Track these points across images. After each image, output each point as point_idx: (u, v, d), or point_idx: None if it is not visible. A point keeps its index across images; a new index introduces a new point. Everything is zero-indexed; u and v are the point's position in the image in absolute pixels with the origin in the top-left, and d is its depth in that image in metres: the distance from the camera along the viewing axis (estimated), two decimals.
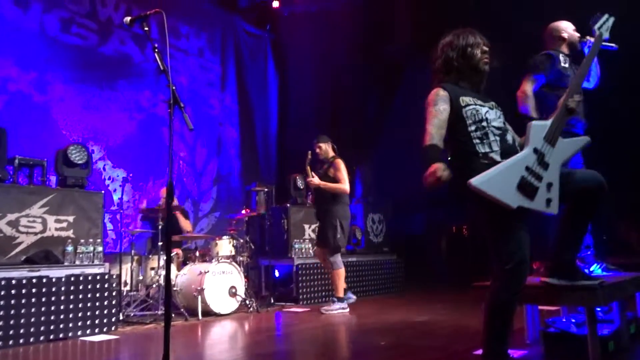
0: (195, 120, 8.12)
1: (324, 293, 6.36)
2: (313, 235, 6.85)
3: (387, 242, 7.87)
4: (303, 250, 6.46)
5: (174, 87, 2.26)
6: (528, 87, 3.42)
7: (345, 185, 5.42)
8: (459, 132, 2.42)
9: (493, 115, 2.46)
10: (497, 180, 2.24)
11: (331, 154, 5.63)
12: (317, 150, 5.60)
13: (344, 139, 8.03)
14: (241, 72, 9.06)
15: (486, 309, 2.33)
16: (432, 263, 7.63)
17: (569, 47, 3.60)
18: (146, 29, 2.45)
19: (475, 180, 2.23)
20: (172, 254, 5.44)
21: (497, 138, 2.39)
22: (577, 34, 3.60)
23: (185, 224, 6.32)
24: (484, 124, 2.40)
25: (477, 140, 2.37)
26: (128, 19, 2.54)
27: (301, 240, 6.57)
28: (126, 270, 5.40)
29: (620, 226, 6.34)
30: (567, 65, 3.50)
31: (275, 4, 9.09)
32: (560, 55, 3.51)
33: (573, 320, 3.00)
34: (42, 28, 6.43)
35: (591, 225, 3.49)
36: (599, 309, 3.15)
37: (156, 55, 2.27)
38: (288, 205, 6.79)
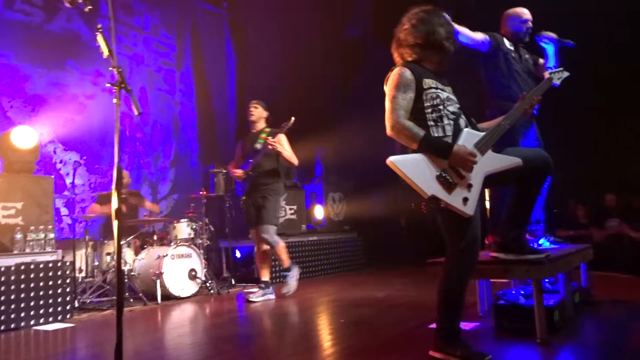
0: (151, 100, 7.91)
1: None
2: None
3: (348, 220, 7.96)
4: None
5: (120, 70, 2.17)
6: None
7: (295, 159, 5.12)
8: (416, 114, 2.42)
9: (450, 100, 2.48)
10: (417, 165, 2.27)
11: (264, 124, 5.33)
12: (252, 109, 5.30)
13: (304, 119, 7.99)
14: (198, 50, 8.84)
15: (439, 286, 2.39)
16: (391, 240, 7.76)
17: (515, 36, 3.72)
18: (89, 8, 2.32)
19: (394, 158, 2.24)
20: (129, 239, 5.36)
21: (451, 122, 2.40)
22: (524, 26, 3.69)
23: (148, 204, 6.22)
24: (441, 107, 2.41)
25: (432, 123, 2.38)
26: None
27: None
28: (81, 256, 5.26)
29: (569, 201, 6.61)
30: (511, 48, 3.63)
31: None
32: (505, 39, 3.64)
33: (522, 292, 3.13)
34: None
35: (542, 200, 3.63)
36: (546, 281, 3.29)
37: (99, 36, 2.16)
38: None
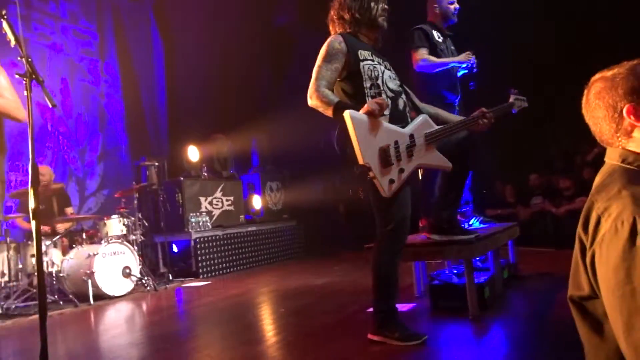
0: (73, 91, 7.48)
1: (224, 265, 6.31)
2: (210, 208, 6.73)
3: (286, 209, 7.95)
4: (200, 224, 6.32)
5: (29, 60, 2.02)
6: (421, 54, 3.47)
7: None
8: (353, 87, 2.39)
9: (389, 75, 2.47)
10: (368, 129, 2.24)
11: None
12: None
13: (237, 109, 7.87)
14: (122, 39, 8.43)
15: (372, 269, 2.43)
16: (331, 227, 7.84)
17: (442, 20, 3.71)
18: None
19: (352, 112, 2.22)
20: (55, 238, 5.07)
21: (389, 101, 2.39)
22: (452, 7, 3.72)
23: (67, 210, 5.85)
24: (379, 82, 2.40)
25: (370, 100, 2.34)
26: None
27: (198, 214, 6.42)
28: (2, 259, 4.92)
29: (497, 182, 6.93)
30: (440, 40, 3.63)
31: None
32: (433, 30, 3.60)
33: (455, 272, 3.25)
34: None
35: (471, 181, 3.77)
36: (476, 259, 3.44)
37: (5, 24, 2.00)
38: (182, 178, 6.57)
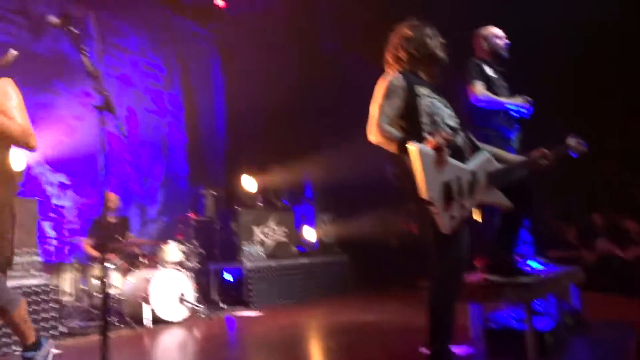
0: (139, 121, 7.89)
1: (275, 295, 6.33)
2: (264, 238, 6.81)
3: (338, 242, 7.93)
4: (253, 253, 6.40)
5: (105, 92, 2.16)
6: (479, 88, 3.43)
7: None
8: (410, 123, 2.39)
9: (447, 113, 2.47)
10: (432, 163, 2.22)
11: None
12: None
13: (293, 140, 8.02)
14: (186, 72, 8.86)
15: (427, 309, 2.37)
16: (382, 262, 7.72)
17: (492, 56, 3.61)
18: (73, 29, 2.32)
19: (418, 145, 2.20)
20: (116, 262, 5.28)
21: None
22: (501, 42, 3.65)
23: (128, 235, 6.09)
24: (437, 119, 2.39)
25: (428, 135, 2.32)
26: (54, 18, 2.36)
27: (251, 243, 6.51)
28: (68, 280, 5.16)
29: (558, 222, 6.64)
30: (493, 74, 3.53)
31: (220, 3, 8.92)
32: (484, 65, 3.53)
33: (513, 315, 3.11)
34: None
35: (530, 222, 3.64)
36: (536, 303, 3.29)
37: (84, 58, 2.16)
38: (237, 208, 6.71)
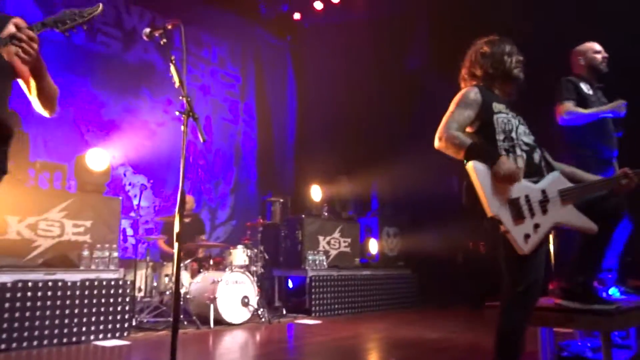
0: (215, 128, 8.22)
1: (336, 306, 6.33)
2: (327, 247, 6.85)
3: (402, 256, 7.82)
4: (317, 262, 6.45)
5: (189, 99, 2.29)
6: (567, 106, 3.33)
7: None
8: (486, 139, 2.33)
9: (523, 130, 2.40)
10: (493, 180, 2.17)
11: None
12: None
13: (361, 150, 8.04)
14: (261, 82, 9.15)
15: (496, 330, 2.28)
16: (447, 279, 7.52)
17: (589, 71, 3.51)
18: (164, 41, 2.48)
19: (475, 163, 2.17)
20: (186, 262, 5.50)
21: (524, 155, 2.30)
22: (599, 56, 3.51)
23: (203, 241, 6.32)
24: (514, 135, 2.32)
25: (503, 152, 2.27)
26: (147, 30, 2.57)
27: (315, 252, 6.56)
28: (141, 276, 5.44)
29: None
30: (590, 92, 3.41)
31: (297, 16, 9.16)
32: (581, 83, 3.42)
33: (589, 345, 2.93)
34: (69, 36, 6.57)
35: (619, 247, 3.42)
36: (615, 334, 3.07)
37: (172, 67, 2.31)
38: (303, 216, 6.80)
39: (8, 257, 4.11)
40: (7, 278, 3.86)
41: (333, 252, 6.94)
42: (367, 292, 6.78)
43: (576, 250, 2.70)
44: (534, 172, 2.31)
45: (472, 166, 2.17)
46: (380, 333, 4.96)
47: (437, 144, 2.36)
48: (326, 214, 7.19)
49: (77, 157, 4.88)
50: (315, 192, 7.31)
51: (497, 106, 2.38)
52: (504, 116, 2.36)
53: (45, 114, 2.13)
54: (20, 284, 3.88)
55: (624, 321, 2.63)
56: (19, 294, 3.86)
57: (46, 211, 4.36)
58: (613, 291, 3.41)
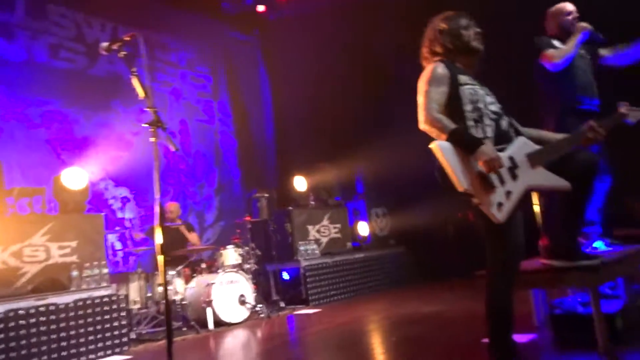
0: (192, 130, 8.15)
1: (333, 292, 6.37)
2: (318, 236, 6.88)
3: (393, 235, 7.87)
4: (309, 252, 6.47)
5: (155, 109, 2.27)
6: (551, 51, 3.38)
7: None
8: (453, 112, 2.35)
9: (490, 99, 2.43)
10: (460, 155, 2.20)
11: None
12: None
13: (341, 137, 8.04)
14: (233, 79, 9.07)
15: (485, 299, 2.32)
16: (439, 252, 7.59)
17: (562, 33, 3.54)
18: (123, 53, 2.45)
19: (439, 142, 2.21)
20: (178, 268, 5.48)
21: (492, 123, 2.34)
22: (570, 17, 3.55)
23: (192, 237, 6.33)
24: (481, 105, 2.35)
25: (472, 123, 2.31)
26: (104, 45, 2.53)
27: (306, 242, 6.59)
28: (134, 288, 5.41)
29: (627, 199, 6.28)
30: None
31: (261, 8, 9.05)
32: (555, 41, 3.48)
33: (579, 300, 2.98)
34: (31, 56, 6.45)
35: (598, 201, 3.48)
36: (605, 286, 3.13)
37: (134, 80, 2.28)
38: (290, 208, 6.81)
39: (3, 285, 4.06)
40: (9, 306, 3.82)
41: (324, 240, 6.97)
42: (362, 274, 6.83)
43: (559, 210, 2.73)
44: (503, 138, 2.33)
45: (436, 146, 2.21)
46: (379, 314, 5.01)
47: (421, 126, 2.39)
48: (313, 202, 7.20)
49: (54, 178, 4.81)
50: (300, 183, 7.31)
51: (462, 78, 2.40)
52: (469, 87, 2.39)
53: None
54: (11, 314, 3.83)
55: (610, 273, 2.69)
56: (11, 324, 3.81)
57: (29, 237, 4.31)
58: (598, 244, 3.47)
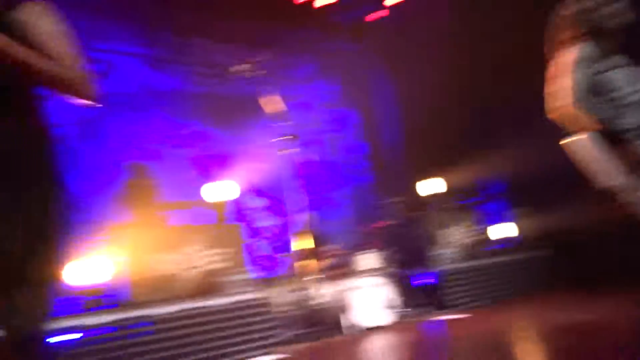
0: (321, 141, 8.43)
1: (474, 298, 6.10)
2: (456, 239, 6.66)
3: (538, 237, 7.31)
4: (447, 256, 6.30)
5: (289, 123, 2.38)
6: None
7: None
8: (601, 95, 2.17)
9: (633, 82, 2.18)
10: (604, 148, 2.00)
11: None
12: None
13: (473, 136, 7.70)
14: (357, 88, 9.20)
15: None
16: (593, 254, 6.87)
17: None
18: (255, 73, 2.61)
19: (576, 140, 2.05)
20: (318, 273, 5.66)
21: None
22: None
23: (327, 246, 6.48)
24: (630, 89, 2.14)
25: (631, 105, 2.11)
26: (237, 67, 2.72)
27: (444, 246, 6.43)
28: (278, 292, 5.69)
29: None
30: None
31: (378, 14, 9.01)
32: None
33: None
34: (178, 84, 7.20)
35: None
36: None
37: (267, 98, 2.42)
38: (425, 211, 6.69)
39: (163, 291, 4.55)
40: (168, 309, 4.27)
41: (462, 243, 6.72)
42: (505, 279, 6.44)
43: None
44: None
45: (573, 143, 2.04)
46: (527, 321, 4.68)
47: (556, 113, 2.20)
48: (448, 205, 7.00)
49: (203, 192, 5.28)
50: (434, 185, 7.15)
51: (603, 63, 2.17)
52: (610, 72, 2.16)
53: (84, 102, 1.55)
54: (179, 314, 4.26)
55: None
56: (174, 324, 4.23)
57: (186, 245, 4.77)
58: None
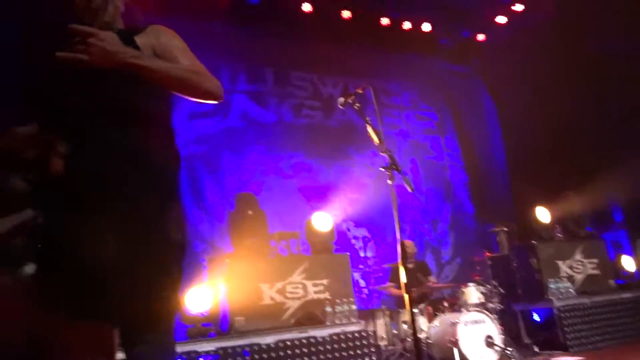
0: (421, 168, 8.30)
1: (597, 337, 5.56)
2: (571, 272, 6.15)
3: None
4: (562, 290, 5.80)
5: (390, 153, 2.39)
6: None
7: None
8: None
9: None
10: None
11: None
12: None
13: (585, 160, 7.16)
14: (457, 112, 9.01)
15: None
16: None
17: None
18: (357, 105, 2.66)
19: None
20: (420, 306, 5.51)
21: None
22: None
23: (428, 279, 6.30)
24: None
25: None
26: (342, 100, 2.80)
27: (557, 279, 5.93)
28: (380, 325, 5.62)
29: None
30: None
31: (481, 37, 8.82)
32: None
33: None
34: (280, 117, 7.52)
35: None
36: None
37: (369, 128, 2.45)
38: (534, 242, 6.26)
39: (266, 320, 4.67)
40: (270, 339, 4.37)
41: (579, 277, 6.18)
42: (632, 317, 5.81)
43: None
44: None
45: None
46: None
47: None
48: (560, 235, 6.50)
49: (306, 222, 5.39)
50: (542, 214, 6.70)
51: None
52: None
53: (208, 101, 1.73)
54: (281, 344, 4.35)
55: None
56: (281, 353, 4.32)
57: (289, 275, 4.87)
58: None
